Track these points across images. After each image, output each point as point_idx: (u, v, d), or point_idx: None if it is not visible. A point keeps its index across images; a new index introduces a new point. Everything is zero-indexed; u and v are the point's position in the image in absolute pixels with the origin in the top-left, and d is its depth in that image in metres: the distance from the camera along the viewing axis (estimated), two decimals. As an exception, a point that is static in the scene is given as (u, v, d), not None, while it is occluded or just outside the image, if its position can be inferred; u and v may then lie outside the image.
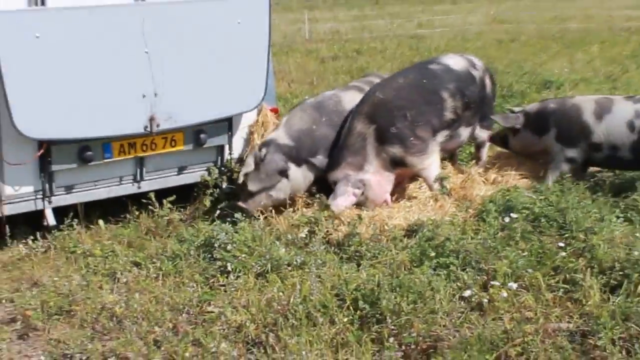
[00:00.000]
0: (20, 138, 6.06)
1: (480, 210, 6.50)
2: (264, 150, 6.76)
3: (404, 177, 7.17)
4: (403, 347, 4.58)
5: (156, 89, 6.59)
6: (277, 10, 29.52)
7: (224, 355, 4.49)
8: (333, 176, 6.84)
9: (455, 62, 7.42)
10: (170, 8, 6.68)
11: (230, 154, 7.44)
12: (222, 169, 7.38)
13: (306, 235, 6.25)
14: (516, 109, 7.92)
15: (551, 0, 31.89)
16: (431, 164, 6.99)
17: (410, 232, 6.20)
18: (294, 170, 6.87)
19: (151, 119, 6.57)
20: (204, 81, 6.88)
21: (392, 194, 6.98)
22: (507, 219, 6.17)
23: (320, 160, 7.03)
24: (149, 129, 6.62)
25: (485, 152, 7.86)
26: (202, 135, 6.98)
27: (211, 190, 7.14)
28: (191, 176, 7.26)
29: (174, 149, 6.95)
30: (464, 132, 7.40)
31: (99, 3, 6.30)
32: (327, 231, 6.29)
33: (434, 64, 7.41)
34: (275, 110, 7.72)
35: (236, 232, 6.03)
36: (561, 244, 5.68)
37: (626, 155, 7.03)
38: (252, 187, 6.73)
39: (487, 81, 7.62)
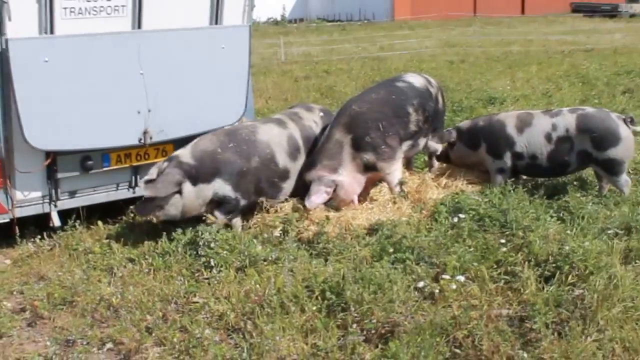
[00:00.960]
0: (30, 149, 6.09)
1: (433, 211, 6.53)
2: (166, 164, 6.27)
3: (371, 181, 7.14)
4: (365, 332, 4.58)
5: (150, 106, 6.61)
6: (256, 36, 29.46)
7: (207, 340, 4.50)
8: (309, 176, 6.75)
9: (417, 80, 7.44)
10: (162, 35, 6.70)
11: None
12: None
13: (280, 234, 6.28)
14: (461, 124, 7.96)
15: (496, 26, 32.10)
16: (396, 169, 7.03)
17: (372, 231, 6.21)
18: (189, 189, 6.21)
19: (145, 132, 6.59)
20: (191, 98, 6.91)
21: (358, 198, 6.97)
22: (456, 219, 6.20)
23: (218, 184, 6.33)
24: (143, 141, 6.65)
25: (436, 161, 7.86)
26: None
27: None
28: None
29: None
30: (422, 142, 7.42)
31: (100, 31, 6.31)
32: (299, 230, 6.30)
33: (400, 81, 7.40)
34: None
35: (218, 232, 6.02)
36: (502, 241, 5.73)
37: (544, 163, 7.08)
38: (146, 194, 6.19)
39: (440, 97, 7.65)
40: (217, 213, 6.37)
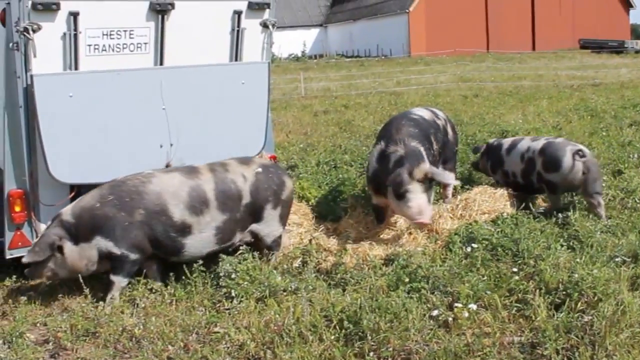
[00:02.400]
0: (54, 182, 6.06)
1: (447, 241, 6.51)
2: (49, 224, 5.81)
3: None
4: (381, 360, 4.54)
5: (172, 139, 6.59)
6: (277, 72, 29.80)
7: (228, 369, 4.46)
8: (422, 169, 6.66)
9: (424, 113, 7.46)
10: (184, 71, 6.72)
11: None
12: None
13: (299, 265, 6.25)
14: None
15: (508, 62, 32.14)
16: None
17: (388, 261, 6.20)
18: (70, 248, 5.69)
19: (167, 166, 6.56)
20: (212, 132, 6.89)
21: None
22: (469, 249, 6.18)
23: (98, 241, 5.73)
24: (165, 175, 6.56)
25: (450, 191, 7.81)
26: None
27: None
28: None
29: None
30: None
31: (123, 67, 6.34)
32: (318, 261, 6.28)
33: (413, 114, 7.44)
34: (273, 158, 7.70)
35: (239, 263, 5.98)
36: (514, 269, 5.70)
37: (519, 180, 7.80)
38: (25, 260, 5.67)
39: (449, 129, 7.67)
40: (112, 277, 5.83)
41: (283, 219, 6.55)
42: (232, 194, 6.11)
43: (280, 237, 6.52)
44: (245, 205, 6.19)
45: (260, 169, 6.36)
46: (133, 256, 5.80)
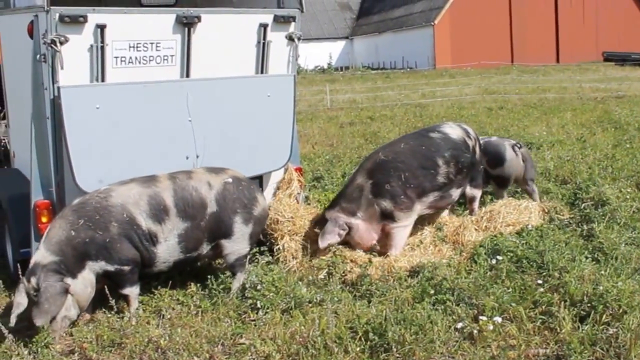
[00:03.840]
0: (81, 193, 5.97)
1: (472, 253, 6.44)
2: (33, 280, 5.23)
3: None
4: (406, 372, 4.51)
5: (198, 151, 6.56)
6: (303, 84, 29.87)
7: (253, 380, 4.44)
8: (327, 215, 6.68)
9: (453, 131, 7.28)
10: (210, 83, 6.69)
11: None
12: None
13: (325, 276, 6.22)
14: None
15: (532, 74, 31.94)
16: (408, 225, 6.80)
17: (413, 273, 6.15)
18: (74, 284, 5.40)
19: None
20: (238, 145, 6.85)
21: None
22: (494, 261, 6.12)
23: (91, 266, 5.52)
24: (190, 186, 6.53)
25: (476, 206, 7.68)
26: None
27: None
28: None
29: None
30: (455, 193, 7.18)
31: (150, 79, 6.33)
32: (343, 273, 6.24)
33: (434, 132, 7.26)
34: (299, 170, 7.69)
35: (265, 274, 5.97)
36: (539, 282, 5.64)
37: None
38: (40, 322, 5.15)
39: (477, 148, 7.50)
40: (122, 292, 5.75)
41: (253, 239, 6.23)
42: (191, 202, 5.86)
43: (246, 256, 6.19)
44: (211, 214, 5.95)
45: (230, 180, 6.12)
46: (126, 268, 5.67)
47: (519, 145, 8.21)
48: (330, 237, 6.52)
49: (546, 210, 7.60)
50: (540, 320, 5.04)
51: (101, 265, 5.57)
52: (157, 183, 5.85)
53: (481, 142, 7.78)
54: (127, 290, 5.77)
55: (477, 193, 7.65)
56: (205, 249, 6.03)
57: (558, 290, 5.42)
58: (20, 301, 5.21)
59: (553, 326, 4.92)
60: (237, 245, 6.08)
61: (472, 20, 44.66)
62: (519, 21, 46.10)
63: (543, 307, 5.18)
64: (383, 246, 6.79)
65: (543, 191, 8.52)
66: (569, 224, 7.25)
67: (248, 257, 6.20)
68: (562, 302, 5.15)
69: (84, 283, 5.49)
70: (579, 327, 4.84)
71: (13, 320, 5.12)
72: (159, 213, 5.74)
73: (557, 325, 4.89)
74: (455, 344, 4.74)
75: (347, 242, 6.71)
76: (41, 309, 5.16)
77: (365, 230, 6.65)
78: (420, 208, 6.82)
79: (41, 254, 5.40)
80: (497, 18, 45.55)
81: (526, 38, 45.74)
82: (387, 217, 6.65)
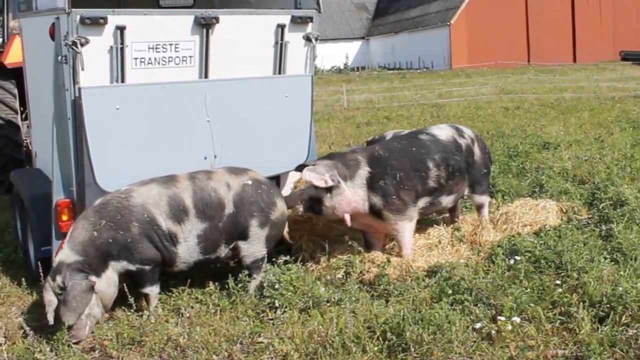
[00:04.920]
0: (101, 192, 6.03)
1: (490, 253, 6.40)
2: (58, 279, 5.33)
3: (379, 233, 6.78)
4: (424, 372, 4.49)
5: (216, 151, 6.59)
6: (320, 84, 29.86)
7: (272, 379, 4.43)
8: (319, 163, 6.31)
9: (442, 132, 6.94)
10: (228, 84, 6.71)
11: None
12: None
13: (342, 276, 6.20)
14: None
15: (549, 74, 31.76)
16: (406, 229, 6.47)
17: (431, 273, 6.11)
18: (99, 282, 5.50)
19: None
20: (256, 145, 6.86)
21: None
22: (512, 261, 6.07)
23: (115, 265, 5.60)
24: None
25: (486, 212, 7.41)
26: None
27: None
28: None
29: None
30: (445, 200, 6.82)
31: (169, 80, 6.36)
32: (361, 272, 6.21)
33: (423, 134, 6.92)
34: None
35: (283, 274, 5.96)
36: (558, 282, 5.58)
37: None
38: (70, 320, 5.27)
39: (476, 149, 7.10)
40: (143, 290, 5.80)
41: (269, 242, 6.17)
42: (210, 203, 5.86)
43: (263, 259, 6.14)
44: (228, 215, 5.93)
45: (249, 182, 6.08)
46: (147, 267, 5.72)
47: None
48: (315, 177, 6.14)
49: (564, 210, 7.54)
50: (558, 321, 4.99)
51: (123, 265, 5.61)
52: (176, 183, 5.87)
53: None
54: (148, 289, 5.80)
55: (485, 200, 7.34)
56: (223, 251, 6.03)
57: (577, 290, 5.37)
58: (51, 299, 5.30)
59: (572, 327, 4.88)
60: (253, 247, 6.07)
61: (488, 20, 44.49)
62: (535, 20, 45.87)
63: (562, 307, 5.14)
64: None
65: (561, 191, 8.44)
66: (587, 224, 7.18)
67: (265, 259, 6.17)
68: (581, 303, 5.10)
69: (108, 282, 5.55)
70: (598, 328, 4.79)
71: (51, 318, 5.24)
72: (178, 213, 5.76)
73: (576, 326, 4.84)
74: (473, 344, 4.72)
75: (315, 204, 6.34)
76: (69, 307, 5.25)
77: (346, 201, 6.29)
78: (412, 215, 6.49)
79: (65, 254, 5.47)
80: (513, 17, 45.35)
81: (543, 37, 45.50)
82: (375, 214, 6.42)
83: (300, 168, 6.41)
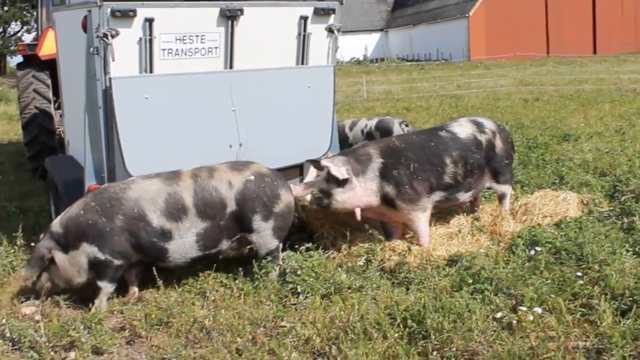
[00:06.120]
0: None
1: (510, 244, 6.37)
2: (41, 236, 5.84)
3: (396, 222, 6.76)
4: (444, 360, 4.48)
5: (241, 140, 6.67)
6: (340, 75, 29.77)
7: (294, 363, 4.44)
8: (326, 162, 6.32)
9: (462, 129, 6.85)
10: (253, 74, 6.79)
11: (301, 194, 7.40)
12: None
13: (363, 263, 6.20)
14: None
15: (568, 66, 31.52)
16: (420, 217, 6.46)
17: (451, 262, 6.10)
18: (60, 257, 5.69)
19: None
20: (279, 134, 6.93)
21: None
22: (532, 252, 6.04)
23: (85, 248, 5.66)
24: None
25: (507, 202, 7.34)
26: None
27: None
28: None
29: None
30: (463, 196, 6.80)
31: (195, 70, 6.45)
32: (381, 260, 6.22)
33: (442, 130, 6.87)
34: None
35: (305, 260, 6.00)
36: (579, 274, 5.54)
37: None
38: (24, 272, 5.88)
39: (498, 142, 7.00)
40: (99, 283, 5.80)
41: (277, 232, 6.08)
42: (211, 202, 5.82)
43: (277, 249, 6.13)
44: (230, 213, 5.91)
45: (252, 177, 5.98)
46: (117, 262, 5.72)
47: (406, 123, 10.93)
48: (334, 167, 6.19)
49: (585, 202, 7.49)
50: (579, 313, 4.94)
51: (93, 251, 5.67)
52: (179, 181, 5.83)
53: (376, 119, 10.70)
54: (102, 284, 5.80)
55: (507, 189, 7.26)
56: (225, 244, 6.03)
57: (598, 283, 5.31)
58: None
59: (593, 319, 4.83)
60: (262, 239, 6.05)
61: (507, 12, 44.26)
62: (555, 12, 45.54)
63: (583, 299, 5.09)
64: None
65: (582, 183, 8.38)
66: (609, 217, 7.11)
67: (279, 249, 6.18)
68: (603, 296, 5.05)
69: (70, 261, 5.71)
70: (620, 321, 4.73)
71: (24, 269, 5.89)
72: (175, 212, 5.74)
73: (598, 318, 4.79)
74: (494, 333, 4.69)
75: (325, 197, 6.34)
76: (27, 263, 5.92)
77: (357, 196, 6.33)
78: (426, 205, 6.49)
79: (56, 222, 5.80)
80: (532, 9, 45.07)
81: (562, 29, 45.18)
82: (388, 203, 6.42)
83: (316, 163, 6.48)
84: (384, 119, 11.15)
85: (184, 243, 5.80)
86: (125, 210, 5.67)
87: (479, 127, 6.96)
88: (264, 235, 6.02)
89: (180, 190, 5.79)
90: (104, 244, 5.66)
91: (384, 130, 10.52)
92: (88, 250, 5.67)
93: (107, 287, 5.82)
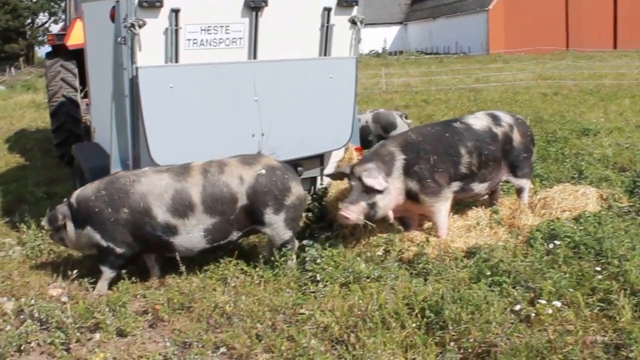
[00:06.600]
0: (155, 166, 6.19)
1: (529, 237, 6.34)
2: (65, 200, 6.14)
3: (414, 213, 6.78)
4: (462, 351, 4.49)
5: (263, 129, 6.70)
6: (359, 67, 29.46)
7: (313, 350, 4.46)
8: (363, 167, 6.23)
9: (478, 121, 6.82)
10: (276, 65, 6.82)
11: (321, 184, 7.46)
12: (314, 196, 7.39)
13: (382, 253, 6.22)
14: None
15: (588, 60, 31.24)
16: (441, 209, 6.47)
17: (470, 254, 6.09)
18: (70, 228, 5.95)
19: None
20: (301, 124, 6.97)
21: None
22: (551, 245, 6.00)
23: (88, 231, 5.86)
24: (256, 163, 6.59)
25: (526, 196, 7.28)
26: (299, 169, 6.89)
27: (305, 214, 7.03)
28: None
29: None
30: (478, 187, 6.75)
31: (220, 61, 6.49)
32: (400, 251, 6.22)
33: (457, 122, 6.84)
34: (359, 149, 7.70)
35: (324, 249, 6.03)
36: (598, 268, 5.48)
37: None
38: (43, 222, 6.32)
39: (515, 135, 6.94)
40: (100, 266, 5.98)
41: (290, 224, 6.12)
42: (221, 198, 5.83)
43: (291, 239, 6.17)
44: (241, 207, 5.93)
45: (263, 171, 5.97)
46: (118, 250, 5.86)
47: (406, 115, 11.17)
48: (377, 183, 6.11)
49: (604, 197, 7.43)
50: (598, 308, 4.92)
51: (96, 237, 5.87)
52: (188, 177, 5.83)
53: (371, 112, 10.79)
54: (103, 268, 5.96)
55: (525, 183, 7.19)
56: (235, 236, 6.07)
57: (617, 278, 5.27)
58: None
59: (612, 314, 4.79)
60: (275, 231, 6.08)
61: (527, 6, 43.91)
62: (575, 6, 45.12)
63: (601, 294, 5.06)
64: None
65: (601, 178, 8.32)
66: (628, 212, 7.04)
67: (294, 239, 6.21)
68: (622, 291, 5.00)
69: (78, 237, 5.97)
70: (639, 316, 4.71)
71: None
72: (182, 208, 5.76)
73: (616, 313, 4.75)
74: (512, 326, 4.68)
75: (372, 210, 6.24)
76: (46, 217, 6.22)
77: (394, 198, 6.34)
78: (447, 195, 6.51)
79: (75, 194, 6.02)
80: (552, 3, 44.67)
81: (582, 23, 44.73)
82: (412, 198, 6.42)
83: (342, 175, 6.47)
84: (380, 111, 11.13)
85: (190, 238, 5.86)
86: (131, 203, 5.75)
87: (495, 120, 6.93)
88: (277, 227, 6.06)
89: (188, 186, 5.79)
90: (107, 232, 5.80)
91: (385, 123, 10.60)
92: (91, 235, 5.88)
93: (107, 272, 5.95)
